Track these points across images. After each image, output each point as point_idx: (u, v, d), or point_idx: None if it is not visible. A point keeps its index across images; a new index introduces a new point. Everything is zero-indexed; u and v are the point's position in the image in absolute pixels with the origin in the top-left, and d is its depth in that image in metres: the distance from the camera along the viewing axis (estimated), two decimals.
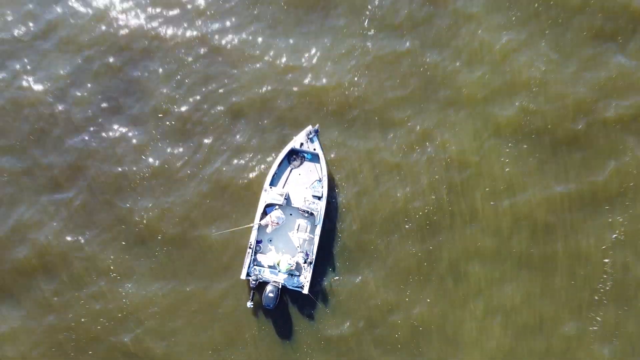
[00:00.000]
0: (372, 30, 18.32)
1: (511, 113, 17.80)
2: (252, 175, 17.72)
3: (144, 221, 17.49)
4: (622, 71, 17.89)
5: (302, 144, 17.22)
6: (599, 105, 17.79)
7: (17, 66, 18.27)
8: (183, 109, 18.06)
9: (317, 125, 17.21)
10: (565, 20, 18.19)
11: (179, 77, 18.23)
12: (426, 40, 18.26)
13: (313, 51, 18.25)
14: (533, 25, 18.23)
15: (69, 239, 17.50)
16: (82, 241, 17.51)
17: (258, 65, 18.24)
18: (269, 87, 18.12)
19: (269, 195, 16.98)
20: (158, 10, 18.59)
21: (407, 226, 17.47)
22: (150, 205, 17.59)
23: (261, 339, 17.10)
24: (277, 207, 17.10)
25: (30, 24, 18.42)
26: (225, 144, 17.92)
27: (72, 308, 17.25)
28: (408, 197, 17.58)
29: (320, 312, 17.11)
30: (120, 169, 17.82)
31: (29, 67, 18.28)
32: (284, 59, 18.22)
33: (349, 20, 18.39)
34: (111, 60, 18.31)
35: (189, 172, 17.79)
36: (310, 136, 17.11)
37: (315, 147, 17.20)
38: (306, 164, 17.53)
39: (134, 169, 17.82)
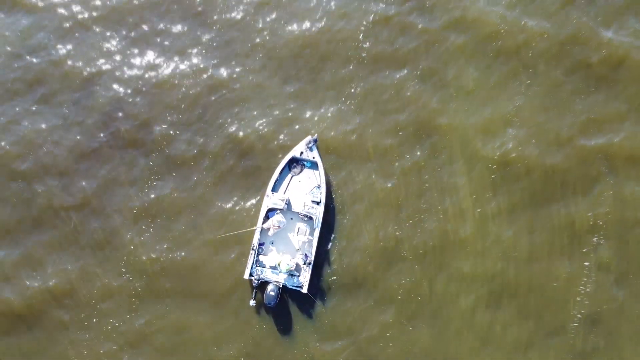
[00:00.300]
0: (367, 58, 19.40)
1: (498, 142, 18.60)
2: (247, 204, 18.54)
3: (148, 245, 18.28)
4: (601, 106, 18.78)
5: (302, 153, 18.22)
6: (581, 137, 18.59)
7: (18, 108, 19.08)
8: (182, 145, 18.85)
9: (316, 135, 18.19)
10: (547, 57, 19.12)
11: (179, 112, 19.08)
12: (419, 72, 19.21)
13: (311, 79, 19.32)
14: (515, 60, 19.14)
15: (80, 262, 18.21)
16: (94, 265, 18.23)
17: (257, 99, 19.18)
18: (267, 120, 19.04)
19: (270, 200, 17.91)
20: (162, 44, 19.62)
21: (403, 247, 18.18)
22: (152, 232, 18.40)
23: (262, 337, 17.68)
24: (278, 211, 18.00)
25: (43, 53, 19.40)
26: (224, 173, 18.74)
27: (86, 328, 17.83)
28: (404, 219, 18.32)
29: (319, 311, 17.80)
30: (122, 201, 18.54)
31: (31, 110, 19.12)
32: (283, 88, 19.26)
33: (346, 48, 19.51)
34: (115, 89, 19.21)
35: (188, 200, 18.56)
36: (310, 145, 18.07)
37: (314, 155, 18.17)
38: (306, 171, 18.49)
39: (136, 200, 18.57)
